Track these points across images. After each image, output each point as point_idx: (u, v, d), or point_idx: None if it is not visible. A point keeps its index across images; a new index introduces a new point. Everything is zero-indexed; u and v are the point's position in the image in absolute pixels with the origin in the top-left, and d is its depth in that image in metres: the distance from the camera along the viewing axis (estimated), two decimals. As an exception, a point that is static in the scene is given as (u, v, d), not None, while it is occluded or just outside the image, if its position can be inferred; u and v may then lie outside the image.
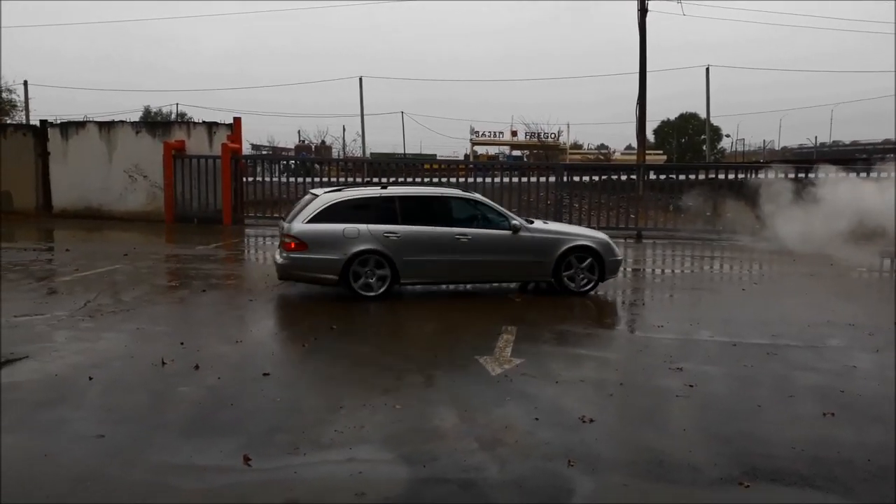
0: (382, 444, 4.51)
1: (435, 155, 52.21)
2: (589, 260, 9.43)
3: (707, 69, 42.11)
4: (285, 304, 8.90)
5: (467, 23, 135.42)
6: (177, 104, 56.92)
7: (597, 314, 8.90)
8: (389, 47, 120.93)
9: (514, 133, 58.76)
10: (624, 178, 20.28)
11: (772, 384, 5.90)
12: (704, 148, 52.94)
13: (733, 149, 69.10)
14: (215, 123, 19.60)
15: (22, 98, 39.92)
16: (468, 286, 9.88)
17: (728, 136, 67.13)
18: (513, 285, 9.99)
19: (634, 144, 30.70)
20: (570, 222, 16.61)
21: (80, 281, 9.96)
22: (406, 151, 55.57)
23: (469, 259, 9.16)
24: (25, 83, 41.33)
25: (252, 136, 53.89)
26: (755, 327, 7.92)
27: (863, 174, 17.24)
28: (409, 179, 19.54)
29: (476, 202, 9.57)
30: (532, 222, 9.76)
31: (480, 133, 59.46)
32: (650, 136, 57.22)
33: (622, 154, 55.88)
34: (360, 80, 47.44)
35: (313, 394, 5.66)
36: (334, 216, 8.89)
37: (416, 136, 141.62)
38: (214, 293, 9.52)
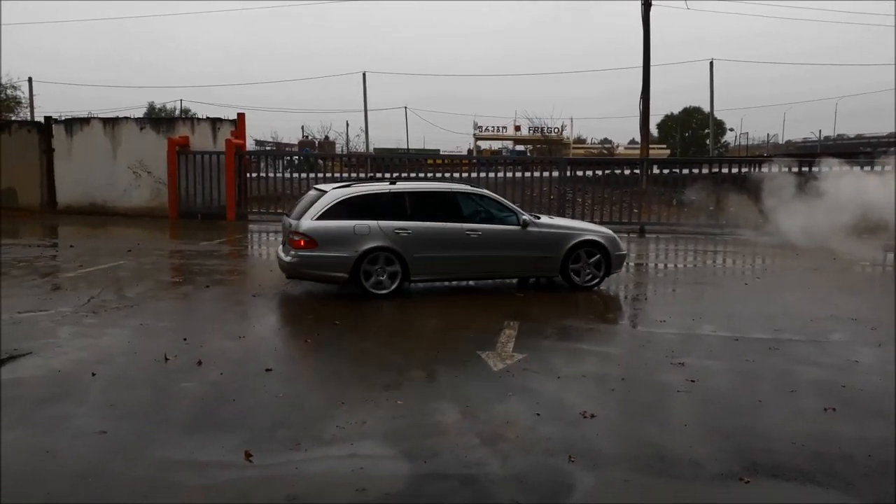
0: (384, 439, 4.52)
1: (438, 150, 52.10)
2: (597, 256, 9.43)
3: (711, 63, 41.98)
4: (288, 300, 8.91)
5: (467, 23, 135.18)
6: (180, 100, 57.13)
7: (599, 309, 8.89)
8: (390, 47, 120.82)
9: (517, 128, 58.64)
10: (627, 172, 20.25)
11: (773, 379, 5.90)
12: (708, 142, 52.76)
13: (737, 143, 68.91)
14: (219, 119, 19.59)
15: (26, 95, 40.04)
16: (470, 282, 9.88)
17: (732, 130, 66.84)
18: (514, 280, 9.99)
19: (638, 139, 30.61)
20: (573, 217, 16.62)
21: (84, 277, 9.99)
22: (409, 147, 55.53)
23: (479, 255, 9.09)
24: (30, 80, 41.44)
25: (256, 132, 53.96)
26: (757, 322, 7.91)
27: (866, 168, 17.16)
28: (413, 175, 19.51)
29: (485, 197, 9.51)
30: (539, 217, 9.73)
31: (484, 128, 59.35)
32: (654, 131, 57.08)
33: (626, 148, 55.68)
34: (364, 75, 47.43)
35: (315, 389, 5.68)
36: (343, 213, 8.72)
37: (420, 131, 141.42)
38: (218, 289, 9.54)
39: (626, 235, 14.93)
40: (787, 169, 17.15)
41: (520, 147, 59.52)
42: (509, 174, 19.62)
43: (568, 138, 57.88)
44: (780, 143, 69.28)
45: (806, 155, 25.62)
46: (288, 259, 8.77)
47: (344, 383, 5.72)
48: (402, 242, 8.71)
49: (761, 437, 4.65)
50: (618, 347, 7.12)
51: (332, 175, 20.14)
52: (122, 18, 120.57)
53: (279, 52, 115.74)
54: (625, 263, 10.38)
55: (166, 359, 6.04)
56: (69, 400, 5.15)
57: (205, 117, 20.25)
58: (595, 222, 13.88)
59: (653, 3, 25.17)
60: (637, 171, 20.33)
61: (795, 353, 6.67)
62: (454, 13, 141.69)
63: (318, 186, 9.79)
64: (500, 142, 61.80)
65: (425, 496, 3.84)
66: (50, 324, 7.28)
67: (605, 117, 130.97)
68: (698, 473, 4.13)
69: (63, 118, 20.89)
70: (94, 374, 5.64)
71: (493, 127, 59.62)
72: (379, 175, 19.58)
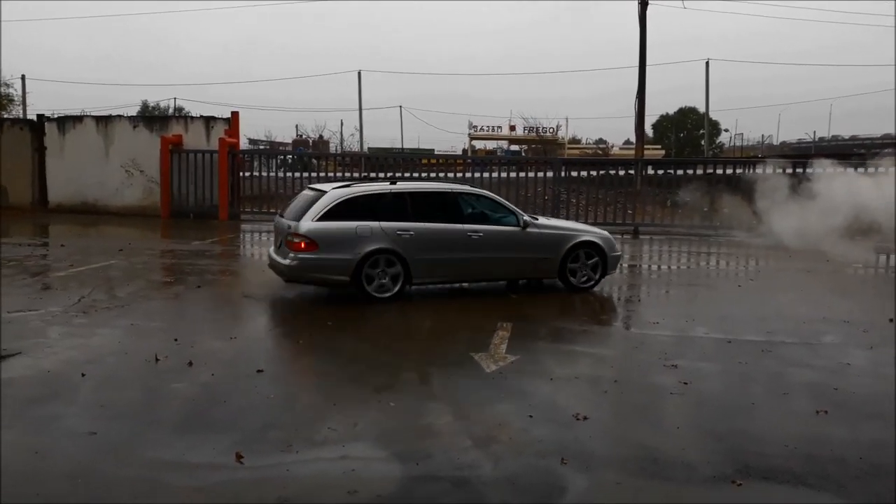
0: (375, 441, 4.50)
1: (433, 149, 52.13)
2: (595, 258, 9.43)
3: (707, 63, 41.94)
4: (280, 300, 8.87)
5: (467, 23, 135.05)
6: (174, 99, 56.81)
7: (592, 311, 8.89)
8: (389, 47, 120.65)
9: (512, 128, 58.70)
10: (622, 173, 20.27)
11: (766, 381, 5.91)
12: (703, 143, 52.88)
13: (732, 143, 69.11)
14: (213, 118, 19.48)
15: (19, 92, 39.81)
16: (464, 284, 9.84)
17: (727, 130, 67.02)
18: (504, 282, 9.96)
19: (633, 139, 30.69)
20: (567, 218, 16.62)
21: (75, 276, 9.93)
22: (404, 146, 55.48)
23: (480, 256, 8.96)
24: (23, 77, 41.13)
25: (250, 130, 53.87)
26: (750, 324, 7.93)
27: (859, 169, 17.20)
28: (408, 175, 19.47)
29: (486, 198, 9.44)
30: (537, 218, 9.68)
31: (479, 128, 59.34)
32: (649, 131, 57.13)
33: (620, 148, 55.86)
34: (359, 73, 47.22)
35: (307, 391, 5.65)
36: (344, 214, 8.40)
37: (415, 130, 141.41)
38: (209, 289, 9.49)
39: (620, 236, 14.93)
40: (780, 170, 17.19)
41: (514, 147, 59.57)
42: (504, 174, 19.61)
43: (563, 138, 57.97)
44: (775, 143, 69.56)
45: (800, 156, 25.71)
46: (287, 262, 8.35)
47: (336, 385, 5.70)
48: (404, 244, 8.51)
49: (754, 439, 4.65)
50: (611, 349, 7.12)
51: (326, 174, 20.10)
52: (122, 16, 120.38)
53: (279, 52, 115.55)
54: (619, 265, 10.38)
55: (157, 359, 6.00)
56: (59, 400, 5.10)
57: (198, 116, 20.17)
58: (589, 223, 13.87)
59: (649, 2, 25.27)
60: (632, 171, 20.35)
61: (788, 355, 6.68)
62: (454, 13, 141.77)
63: (313, 186, 9.58)
64: (494, 142, 61.84)
65: (417, 498, 3.82)
66: (40, 323, 7.23)
67: (601, 117, 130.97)
68: (691, 476, 4.13)
69: (56, 116, 20.77)
70: (83, 375, 5.60)
71: (488, 127, 59.68)
72: (373, 175, 19.51)
